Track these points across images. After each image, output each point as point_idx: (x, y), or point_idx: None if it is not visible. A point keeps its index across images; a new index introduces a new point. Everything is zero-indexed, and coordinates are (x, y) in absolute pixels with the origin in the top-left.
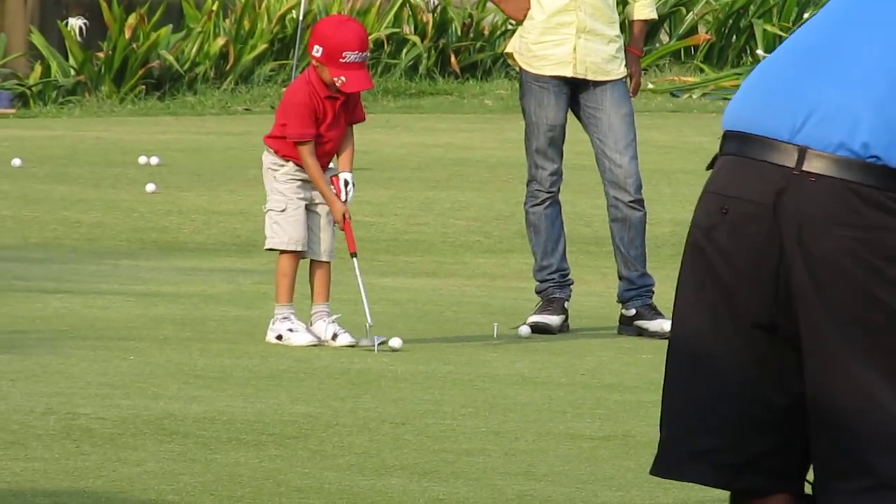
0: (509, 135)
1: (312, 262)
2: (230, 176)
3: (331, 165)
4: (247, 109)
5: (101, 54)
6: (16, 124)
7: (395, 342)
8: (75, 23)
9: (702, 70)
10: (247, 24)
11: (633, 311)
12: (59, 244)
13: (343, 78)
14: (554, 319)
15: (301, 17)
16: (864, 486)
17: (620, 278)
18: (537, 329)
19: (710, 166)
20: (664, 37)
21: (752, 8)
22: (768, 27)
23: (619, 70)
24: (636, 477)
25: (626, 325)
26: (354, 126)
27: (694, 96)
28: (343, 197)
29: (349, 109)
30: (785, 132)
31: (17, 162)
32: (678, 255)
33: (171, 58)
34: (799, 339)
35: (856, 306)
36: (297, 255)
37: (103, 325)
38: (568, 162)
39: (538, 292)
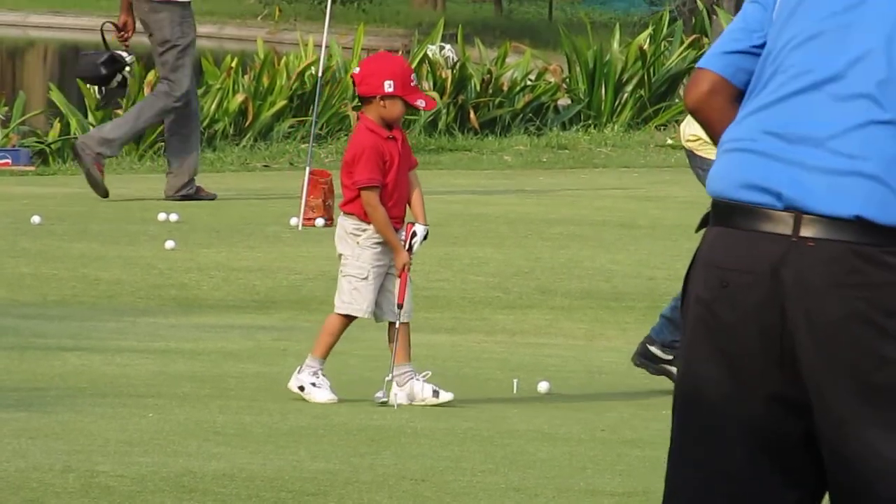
0: (528, 190)
1: (392, 323)
2: (249, 232)
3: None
4: (266, 166)
5: (120, 111)
6: (35, 181)
7: (543, 385)
8: None
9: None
10: (266, 80)
11: (670, 357)
12: (78, 301)
13: (422, 101)
14: None
15: (320, 74)
16: None
17: (671, 321)
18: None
19: (699, 228)
20: (683, 93)
21: None
22: None
23: None
24: None
25: (650, 361)
26: None
27: None
28: (408, 246)
29: (405, 153)
30: (776, 199)
31: (36, 219)
32: None
33: None
34: (809, 409)
35: (865, 366)
36: (352, 320)
37: (122, 382)
38: (586, 217)
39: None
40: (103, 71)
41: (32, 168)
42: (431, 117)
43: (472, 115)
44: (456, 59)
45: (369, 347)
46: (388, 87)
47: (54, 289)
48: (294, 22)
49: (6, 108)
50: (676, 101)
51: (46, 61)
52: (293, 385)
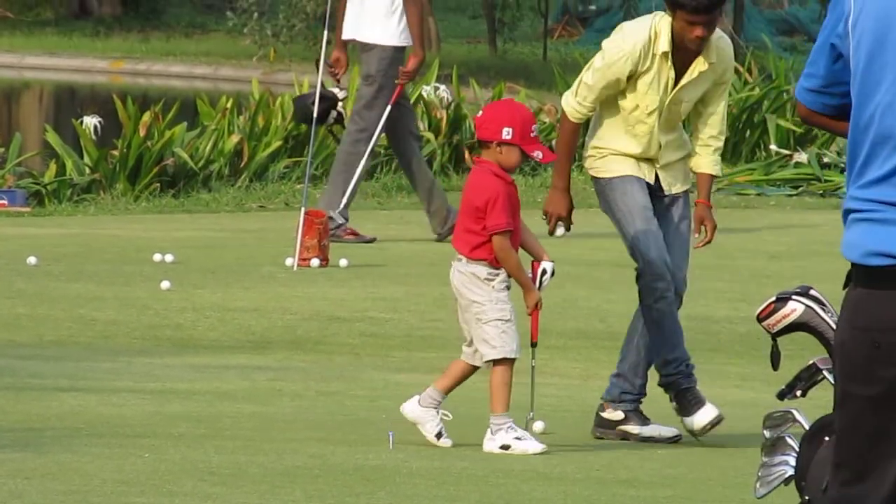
0: None
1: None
2: (245, 273)
3: None
4: (261, 206)
5: (115, 152)
6: (31, 222)
7: (538, 425)
8: (90, 121)
9: (550, 148)
10: (261, 121)
11: (621, 415)
12: (74, 342)
13: (539, 152)
14: (711, 408)
15: (315, 115)
16: None
17: (619, 376)
18: (714, 425)
19: (845, 286)
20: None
21: (765, 103)
22: (782, 122)
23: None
24: None
25: (607, 428)
26: None
27: None
28: (538, 285)
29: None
30: None
31: (32, 260)
32: (693, 350)
33: (185, 155)
34: None
35: None
36: (513, 363)
37: (118, 422)
38: (582, 257)
39: (664, 385)
40: (315, 112)
41: (28, 209)
42: (427, 157)
43: (466, 155)
44: (451, 99)
45: (366, 388)
46: (506, 134)
47: (50, 329)
48: (289, 63)
49: (2, 150)
50: None
51: (42, 102)
52: (493, 447)
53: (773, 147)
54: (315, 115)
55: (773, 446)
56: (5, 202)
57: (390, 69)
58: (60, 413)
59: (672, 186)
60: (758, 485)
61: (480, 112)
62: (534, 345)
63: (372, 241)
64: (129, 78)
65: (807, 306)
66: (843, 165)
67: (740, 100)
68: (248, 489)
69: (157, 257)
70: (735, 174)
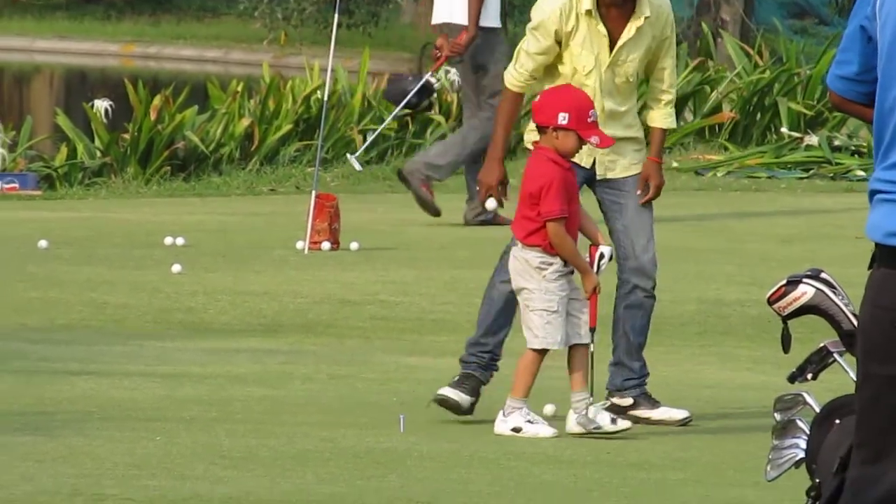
0: None
1: (574, 346)
2: (255, 256)
3: None
4: (272, 190)
5: (126, 136)
6: (42, 206)
7: (549, 408)
8: (101, 104)
9: (726, 148)
10: (271, 104)
11: (630, 401)
12: (85, 325)
13: (596, 137)
14: (465, 399)
15: (326, 98)
16: None
17: (617, 365)
18: (445, 404)
19: (870, 266)
20: (689, 115)
21: (776, 86)
22: (793, 105)
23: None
24: None
25: (618, 414)
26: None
27: (718, 174)
28: (596, 269)
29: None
30: None
31: (43, 244)
32: (704, 333)
33: (196, 139)
34: None
35: None
36: (545, 353)
37: (129, 406)
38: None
39: (462, 361)
40: (414, 100)
41: (39, 193)
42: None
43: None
44: (460, 83)
45: (377, 371)
46: (563, 119)
47: (61, 313)
48: (300, 46)
49: (13, 133)
50: (682, 123)
51: (53, 86)
52: (503, 429)
53: (783, 130)
54: (413, 102)
55: (784, 429)
56: (16, 186)
57: (497, 52)
58: (72, 397)
59: (609, 171)
60: (768, 468)
61: (538, 97)
62: (592, 330)
63: (436, 211)
64: (139, 61)
65: (817, 289)
66: (853, 148)
67: (751, 83)
68: (259, 472)
69: (168, 241)
70: (745, 157)
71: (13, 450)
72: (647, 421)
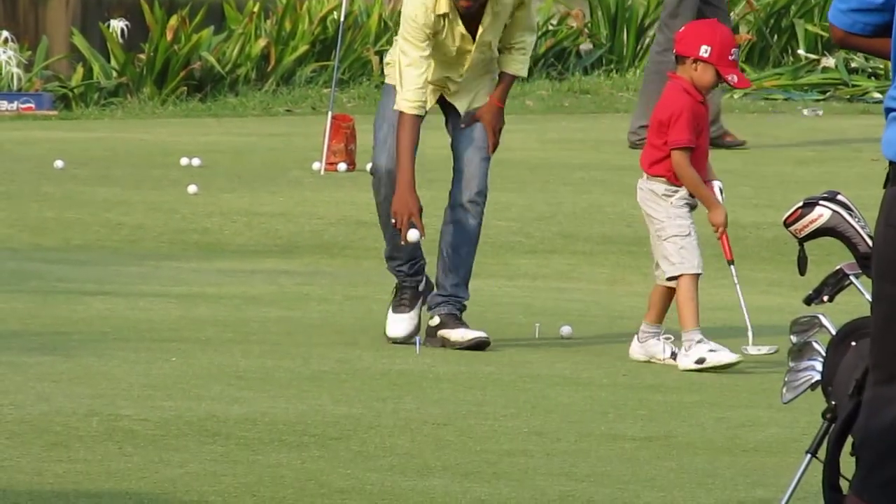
0: (550, 136)
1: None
2: (271, 177)
3: None
4: (288, 111)
5: (142, 56)
6: (58, 126)
7: (565, 330)
8: (117, 25)
9: (743, 70)
10: (288, 25)
11: (437, 321)
12: (101, 246)
13: (734, 76)
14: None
15: (342, 19)
16: None
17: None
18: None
19: (885, 185)
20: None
21: (793, 8)
22: (809, 27)
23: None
24: (678, 477)
25: (431, 337)
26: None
27: (735, 96)
28: None
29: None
30: None
31: (59, 164)
32: (719, 255)
33: (212, 59)
34: None
35: None
36: (698, 277)
37: (145, 326)
38: (608, 162)
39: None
40: None
41: (55, 113)
42: None
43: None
44: None
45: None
46: (704, 52)
47: (77, 233)
48: None
49: (29, 53)
50: None
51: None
52: (688, 364)
53: (800, 52)
54: None
55: (800, 351)
56: (32, 106)
57: None
58: (87, 317)
59: (468, 105)
60: (784, 390)
61: (682, 27)
62: (730, 262)
63: (742, 143)
64: None
65: (834, 211)
66: (870, 70)
67: (768, 4)
68: (275, 393)
69: (184, 161)
70: (762, 79)
71: (29, 370)
72: (449, 343)
